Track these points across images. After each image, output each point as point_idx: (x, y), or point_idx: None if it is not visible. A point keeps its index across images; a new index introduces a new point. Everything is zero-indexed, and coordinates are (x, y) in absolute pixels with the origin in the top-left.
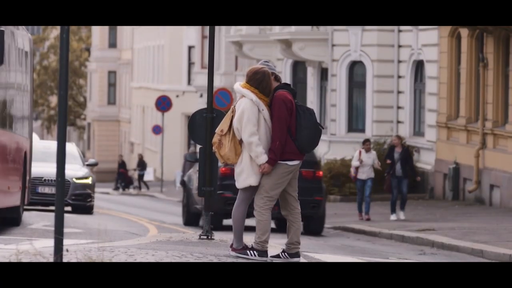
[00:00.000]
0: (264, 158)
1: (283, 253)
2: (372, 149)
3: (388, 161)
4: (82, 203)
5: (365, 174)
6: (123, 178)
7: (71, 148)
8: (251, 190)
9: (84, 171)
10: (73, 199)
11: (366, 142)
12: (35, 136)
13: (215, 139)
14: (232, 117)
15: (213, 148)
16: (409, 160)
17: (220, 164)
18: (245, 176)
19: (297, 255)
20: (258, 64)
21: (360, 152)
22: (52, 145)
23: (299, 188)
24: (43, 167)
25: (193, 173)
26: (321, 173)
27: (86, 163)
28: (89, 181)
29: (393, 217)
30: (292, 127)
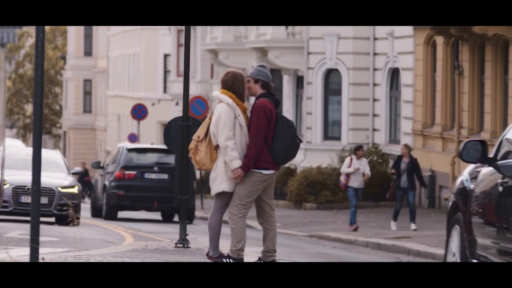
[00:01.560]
0: (237, 163)
1: (259, 261)
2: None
3: (392, 171)
4: (67, 213)
5: (357, 182)
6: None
7: (56, 156)
8: (227, 198)
9: (69, 179)
10: (58, 209)
11: (360, 149)
12: (18, 143)
13: (192, 145)
14: (209, 123)
15: (189, 154)
16: (416, 170)
17: (195, 169)
18: (219, 181)
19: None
20: (256, 66)
21: (351, 159)
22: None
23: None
24: (26, 175)
25: (98, 176)
26: None
27: (72, 171)
28: (75, 190)
29: (393, 226)
30: (269, 137)
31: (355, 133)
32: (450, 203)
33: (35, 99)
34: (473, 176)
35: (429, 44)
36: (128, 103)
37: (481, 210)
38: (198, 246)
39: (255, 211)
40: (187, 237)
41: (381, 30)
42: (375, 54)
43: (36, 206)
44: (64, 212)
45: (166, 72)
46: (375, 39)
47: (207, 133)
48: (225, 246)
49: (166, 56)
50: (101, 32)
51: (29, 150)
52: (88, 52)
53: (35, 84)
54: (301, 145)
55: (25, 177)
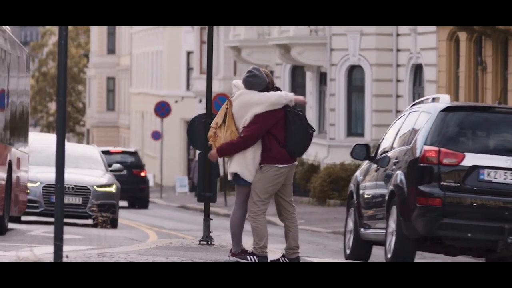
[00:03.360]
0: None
1: (282, 258)
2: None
3: None
4: (98, 215)
5: None
6: None
7: (93, 151)
8: (246, 193)
9: (107, 177)
10: (94, 210)
11: None
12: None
13: (210, 132)
14: (227, 109)
15: (209, 142)
16: None
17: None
18: (234, 162)
19: (297, 259)
20: (246, 78)
21: None
22: (70, 147)
23: None
24: None
25: None
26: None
27: (110, 168)
28: (112, 189)
29: None
30: (281, 135)
31: (379, 129)
32: (348, 192)
33: (58, 97)
34: (362, 171)
35: (452, 40)
36: (152, 100)
37: (365, 193)
38: (222, 243)
39: (275, 208)
40: (211, 234)
41: (404, 26)
42: (398, 50)
43: (60, 202)
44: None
45: (189, 69)
46: (398, 35)
47: (224, 119)
48: (249, 243)
49: (189, 53)
50: (124, 30)
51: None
52: (111, 50)
53: (58, 82)
54: (325, 142)
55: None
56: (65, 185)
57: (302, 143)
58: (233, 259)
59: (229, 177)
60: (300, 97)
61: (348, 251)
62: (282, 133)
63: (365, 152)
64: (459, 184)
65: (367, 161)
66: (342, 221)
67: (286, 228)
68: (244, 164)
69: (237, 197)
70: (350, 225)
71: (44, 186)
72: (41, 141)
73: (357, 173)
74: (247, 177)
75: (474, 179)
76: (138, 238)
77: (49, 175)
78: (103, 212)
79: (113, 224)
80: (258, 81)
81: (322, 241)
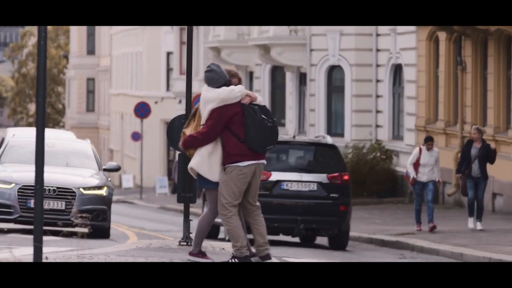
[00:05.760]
0: None
1: (233, 259)
2: (352, 154)
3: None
4: (92, 222)
5: (425, 175)
6: None
7: (85, 147)
8: (215, 195)
9: (97, 178)
10: (80, 217)
11: (428, 141)
12: (69, 135)
13: (181, 133)
14: (197, 109)
15: (181, 147)
16: (490, 159)
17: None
18: (192, 158)
19: (268, 257)
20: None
21: (420, 150)
22: (59, 141)
23: None
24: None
25: None
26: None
27: (104, 167)
28: (103, 192)
29: (471, 223)
30: (240, 130)
31: (359, 129)
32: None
33: (38, 98)
34: None
35: (431, 39)
36: (131, 101)
37: None
38: (202, 244)
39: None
40: (191, 235)
41: (384, 27)
42: (377, 50)
43: (40, 204)
44: (89, 221)
45: (168, 70)
46: (377, 35)
47: (193, 118)
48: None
49: (168, 54)
50: (103, 30)
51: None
52: (91, 51)
53: (37, 83)
54: None
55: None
56: (45, 187)
57: (260, 136)
58: (190, 258)
59: (194, 177)
60: (253, 94)
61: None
62: (241, 128)
63: None
64: (268, 192)
65: None
66: None
67: (251, 227)
68: (207, 164)
69: (208, 200)
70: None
71: (19, 188)
72: (23, 136)
73: None
74: (212, 177)
75: (278, 189)
76: (117, 239)
77: (25, 175)
78: (91, 221)
79: (103, 233)
80: (216, 77)
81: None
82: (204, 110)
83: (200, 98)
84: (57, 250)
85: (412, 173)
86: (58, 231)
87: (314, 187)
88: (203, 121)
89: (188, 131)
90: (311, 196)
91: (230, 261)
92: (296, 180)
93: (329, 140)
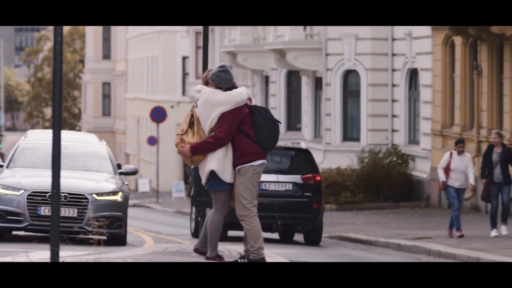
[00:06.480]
0: None
1: (240, 260)
2: (369, 158)
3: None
4: (107, 230)
5: (458, 181)
6: None
7: (100, 149)
8: (224, 196)
9: (113, 182)
10: (94, 225)
11: (459, 143)
12: (92, 138)
13: (177, 140)
14: (192, 115)
15: (177, 150)
16: None
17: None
18: (208, 161)
19: (263, 261)
20: (217, 72)
21: (451, 154)
22: (71, 145)
23: None
24: (50, 176)
25: None
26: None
27: (121, 170)
28: (117, 197)
29: (493, 232)
30: (250, 130)
31: (375, 134)
32: (192, 194)
33: (54, 102)
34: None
35: (447, 44)
36: (147, 105)
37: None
38: (218, 248)
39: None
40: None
41: (399, 31)
42: (393, 54)
43: (57, 207)
44: (103, 229)
45: (184, 74)
46: (393, 39)
47: (190, 125)
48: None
49: (184, 58)
50: (119, 35)
51: (74, 144)
52: (106, 55)
53: (53, 88)
54: (321, 146)
55: (45, 180)
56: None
57: (273, 135)
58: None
59: (203, 181)
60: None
61: (192, 231)
62: (251, 129)
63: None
64: None
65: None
66: (338, 226)
67: (245, 229)
68: (215, 158)
69: (215, 202)
70: (195, 213)
71: (29, 195)
72: (35, 138)
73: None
74: (227, 178)
75: None
76: (134, 243)
77: (35, 180)
78: (105, 229)
79: (119, 241)
80: (229, 77)
81: (319, 246)
82: (209, 112)
83: (201, 100)
84: (74, 254)
85: (441, 177)
86: (72, 238)
87: (289, 187)
88: (209, 124)
89: (189, 137)
90: (287, 195)
91: (239, 260)
92: (273, 181)
93: (303, 145)
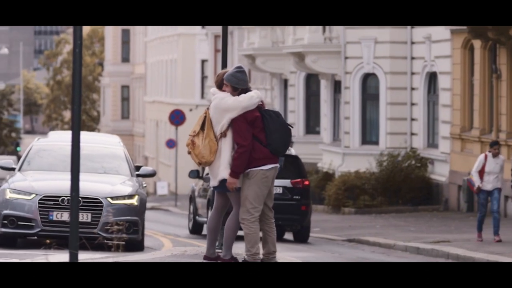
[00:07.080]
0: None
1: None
2: (387, 162)
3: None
4: (123, 235)
5: (490, 184)
6: None
7: (117, 150)
8: (226, 197)
9: (129, 185)
10: (107, 231)
11: (494, 145)
12: (114, 139)
13: (188, 140)
14: (205, 117)
15: (187, 150)
16: None
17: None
18: (222, 168)
19: None
20: (234, 72)
21: (486, 157)
22: (86, 146)
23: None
24: (61, 179)
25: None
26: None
27: (138, 172)
28: (134, 201)
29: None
30: (260, 134)
31: (393, 137)
32: (190, 195)
33: (73, 105)
34: (195, 184)
35: (466, 47)
36: (166, 109)
37: (196, 197)
38: (237, 251)
39: None
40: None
41: (418, 34)
42: (412, 58)
43: (75, 211)
44: (117, 234)
45: (203, 77)
46: (412, 43)
47: (202, 127)
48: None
49: (203, 61)
50: (138, 38)
51: (90, 145)
52: (125, 59)
53: (73, 91)
54: (339, 150)
55: (57, 183)
56: (69, 197)
57: (284, 139)
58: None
59: (214, 183)
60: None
61: (190, 228)
62: (262, 133)
63: (196, 174)
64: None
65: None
66: (357, 229)
67: (265, 233)
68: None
69: (216, 200)
70: (192, 213)
71: (40, 199)
72: (50, 140)
73: (193, 184)
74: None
75: None
76: (153, 246)
77: (47, 183)
78: (121, 233)
79: (136, 246)
80: (245, 78)
81: (337, 249)
82: (220, 117)
83: (213, 104)
84: (92, 257)
85: (477, 182)
86: (88, 243)
87: (279, 190)
88: (220, 128)
89: (199, 140)
90: (277, 198)
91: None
92: None
93: (293, 152)
